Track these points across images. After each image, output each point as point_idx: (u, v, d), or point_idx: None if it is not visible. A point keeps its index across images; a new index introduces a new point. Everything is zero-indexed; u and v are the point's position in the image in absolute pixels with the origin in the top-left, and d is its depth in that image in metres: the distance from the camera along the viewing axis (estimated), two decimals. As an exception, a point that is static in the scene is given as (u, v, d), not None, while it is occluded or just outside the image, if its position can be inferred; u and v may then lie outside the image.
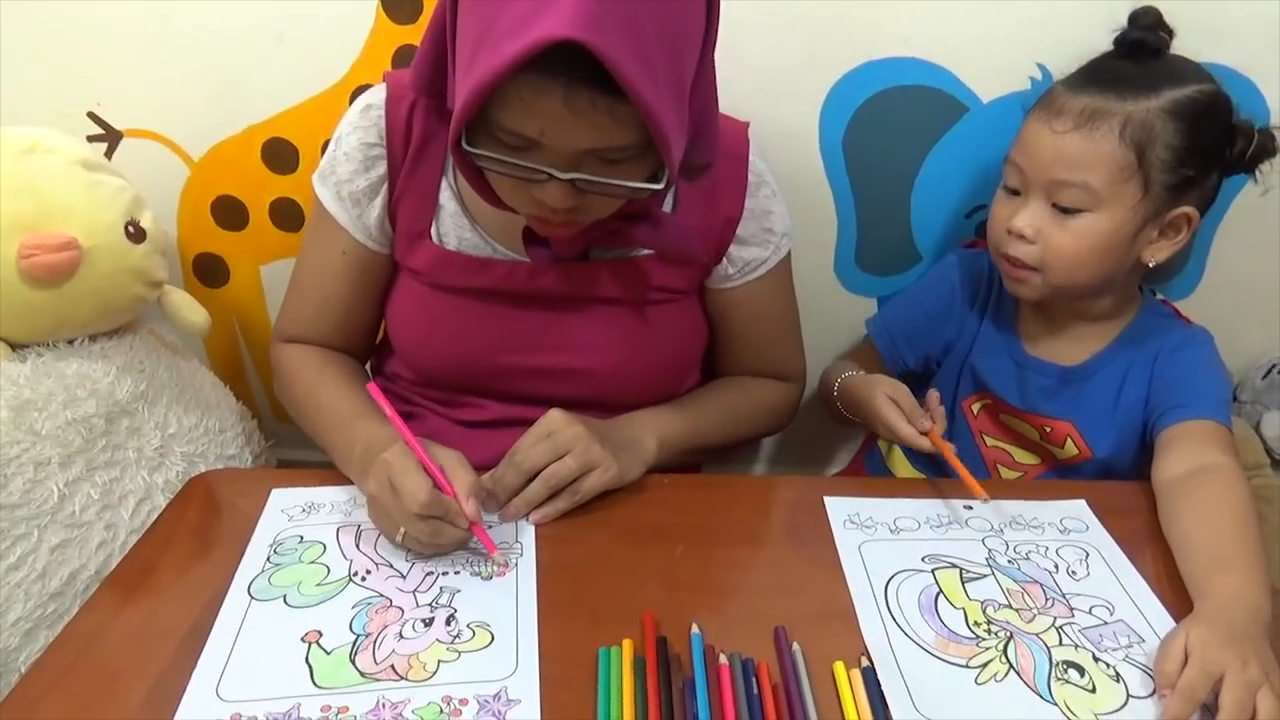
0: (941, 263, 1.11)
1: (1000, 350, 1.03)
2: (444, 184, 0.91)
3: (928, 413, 0.91)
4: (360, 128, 0.90)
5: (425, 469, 0.77)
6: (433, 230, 0.91)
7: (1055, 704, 0.67)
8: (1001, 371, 1.03)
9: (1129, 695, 0.68)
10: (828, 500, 0.89)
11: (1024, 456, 1.05)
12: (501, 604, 0.75)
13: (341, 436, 0.87)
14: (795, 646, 0.70)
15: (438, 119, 0.86)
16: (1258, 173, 0.93)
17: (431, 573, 0.78)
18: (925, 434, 0.90)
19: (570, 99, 0.67)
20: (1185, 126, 0.86)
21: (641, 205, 0.82)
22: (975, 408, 1.06)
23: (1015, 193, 0.93)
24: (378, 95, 0.90)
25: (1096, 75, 0.90)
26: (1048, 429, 1.00)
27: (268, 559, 0.80)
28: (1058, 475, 1.03)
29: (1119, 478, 0.97)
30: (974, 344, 1.05)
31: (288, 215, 1.18)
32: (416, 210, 0.91)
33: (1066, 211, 0.89)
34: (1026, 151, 0.91)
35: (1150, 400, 0.95)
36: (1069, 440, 0.99)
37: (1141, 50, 0.89)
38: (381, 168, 0.90)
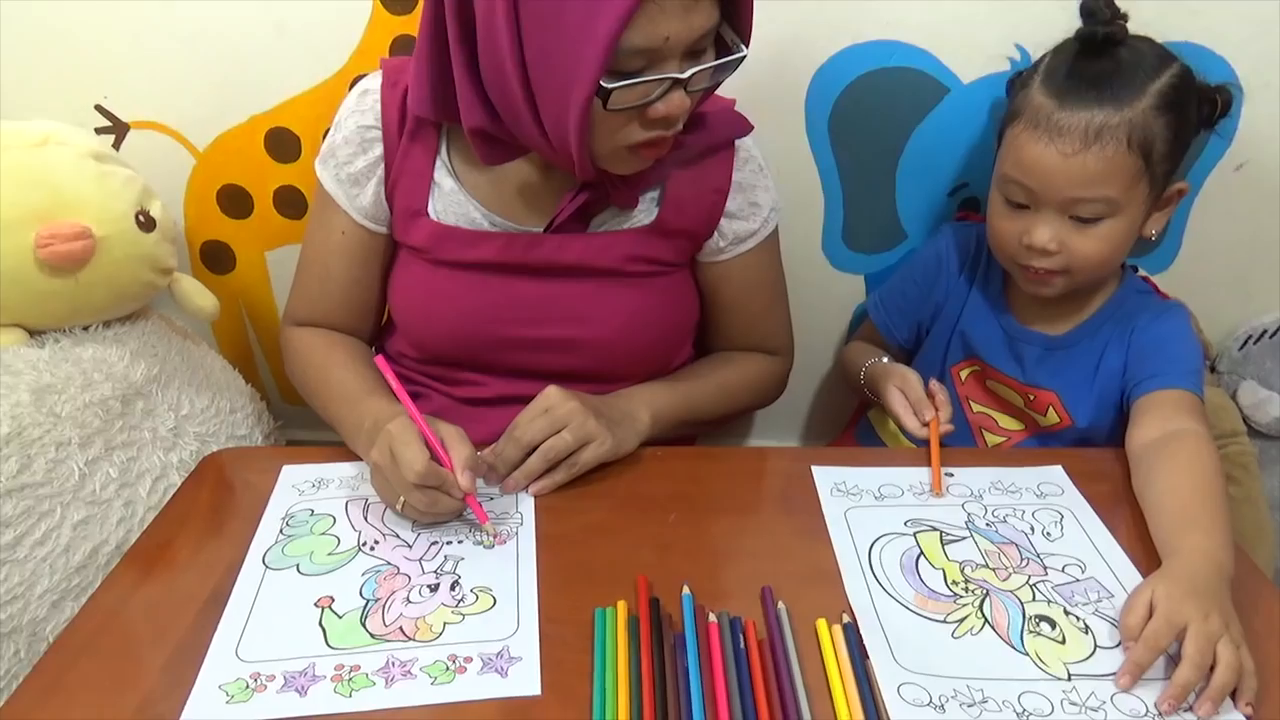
0: (934, 236, 1.13)
1: (990, 319, 1.06)
2: (439, 163, 0.94)
3: (931, 403, 0.96)
4: (358, 111, 0.93)
5: (426, 441, 0.80)
6: (430, 208, 0.94)
7: (1027, 654, 0.70)
8: (991, 339, 1.06)
9: (1097, 646, 0.71)
10: (815, 469, 0.92)
11: (1007, 422, 1.08)
12: (503, 570, 0.78)
13: (351, 413, 0.90)
14: (780, 605, 0.73)
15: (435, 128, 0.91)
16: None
17: (436, 542, 0.82)
18: (927, 424, 0.95)
19: None
20: (1174, 116, 0.89)
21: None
22: (963, 374, 1.10)
23: (1020, 206, 0.94)
24: (374, 81, 0.93)
25: (1080, 84, 0.89)
26: (1031, 396, 1.04)
27: (280, 531, 0.83)
28: (1038, 441, 1.06)
29: (1095, 446, 1.00)
30: (963, 311, 1.07)
31: (291, 202, 1.21)
32: (413, 189, 0.94)
33: (1086, 221, 0.91)
34: (1033, 174, 0.91)
35: (1126, 370, 0.98)
36: (1050, 409, 1.03)
37: (1111, 43, 0.90)
38: (378, 149, 0.93)
